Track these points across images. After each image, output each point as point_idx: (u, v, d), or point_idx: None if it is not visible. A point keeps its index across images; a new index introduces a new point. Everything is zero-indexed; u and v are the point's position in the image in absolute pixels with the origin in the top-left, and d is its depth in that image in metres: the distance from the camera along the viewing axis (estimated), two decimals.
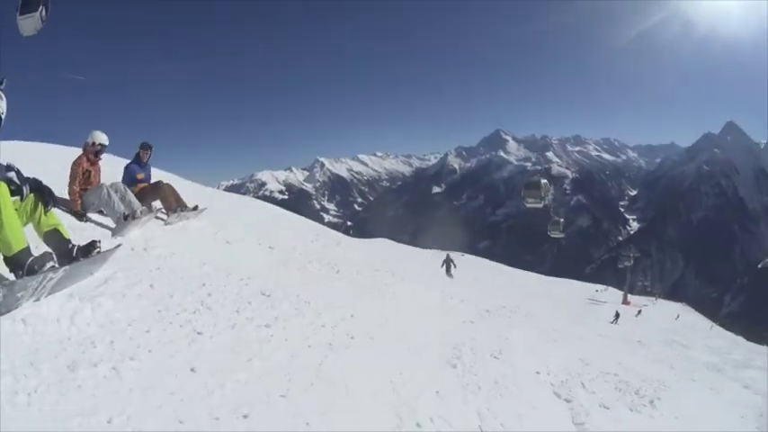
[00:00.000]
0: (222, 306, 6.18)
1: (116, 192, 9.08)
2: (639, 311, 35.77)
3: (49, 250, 4.93)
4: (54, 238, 5.16)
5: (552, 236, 38.71)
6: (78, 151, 9.47)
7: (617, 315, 30.90)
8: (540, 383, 8.42)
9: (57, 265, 4.64)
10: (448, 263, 32.20)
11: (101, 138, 9.64)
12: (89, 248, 5.27)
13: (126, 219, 8.49)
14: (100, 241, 5.40)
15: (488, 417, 6.06)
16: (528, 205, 20.99)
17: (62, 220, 5.32)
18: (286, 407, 4.32)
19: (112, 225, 8.62)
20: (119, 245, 6.01)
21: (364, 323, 8.08)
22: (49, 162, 12.70)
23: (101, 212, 9.50)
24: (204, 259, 8.31)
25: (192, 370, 4.32)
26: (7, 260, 4.55)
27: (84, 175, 9.38)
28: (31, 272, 4.41)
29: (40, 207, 5.09)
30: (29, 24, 10.84)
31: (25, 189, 4.87)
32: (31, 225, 5.10)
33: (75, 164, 9.28)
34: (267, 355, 5.22)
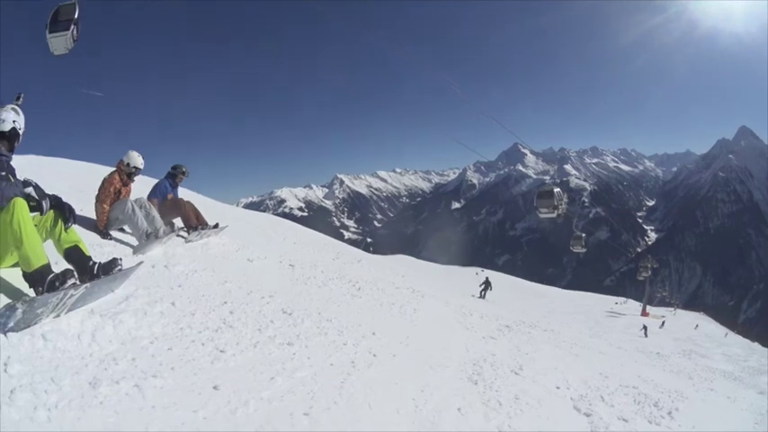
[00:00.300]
0: (244, 324, 6.16)
1: (140, 208, 9.08)
2: (663, 323, 35.48)
3: (70, 267, 4.93)
4: (74, 254, 5.16)
5: (575, 251, 38.82)
6: (96, 167, 9.50)
7: (645, 328, 30.73)
8: (560, 398, 8.38)
9: (78, 282, 4.64)
10: (486, 285, 32.07)
11: (137, 161, 9.62)
12: (110, 266, 5.27)
13: (149, 237, 8.51)
14: (121, 259, 5.40)
15: None
16: (541, 215, 19.71)
17: (83, 237, 5.33)
18: (309, 425, 4.29)
19: (134, 242, 8.65)
20: (140, 262, 5.99)
21: (386, 341, 8.06)
22: (67, 177, 12.82)
23: (122, 230, 9.54)
24: (225, 277, 8.32)
25: (215, 388, 4.29)
26: (27, 276, 4.55)
27: (115, 195, 9.30)
28: (52, 288, 4.40)
29: (60, 223, 5.10)
30: (59, 43, 10.95)
31: (45, 204, 4.90)
32: (50, 241, 5.11)
33: (107, 182, 9.22)
34: (290, 373, 5.19)
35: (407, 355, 7.89)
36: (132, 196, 9.95)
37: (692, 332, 33.55)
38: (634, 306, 48.48)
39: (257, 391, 4.51)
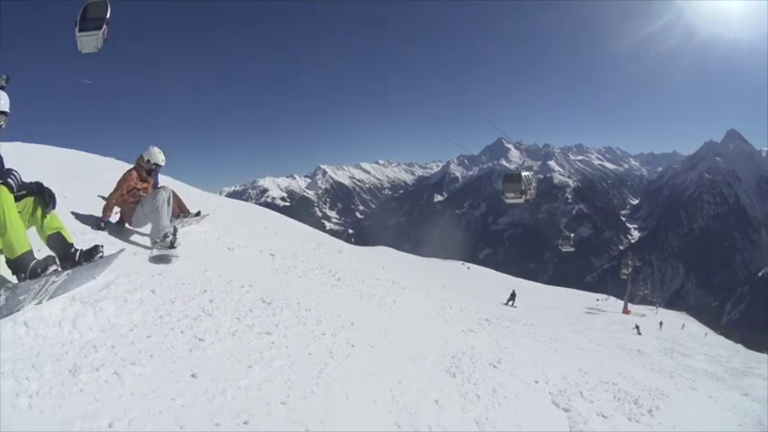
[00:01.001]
0: (223, 313, 6.21)
1: (169, 204, 8.97)
2: (661, 323, 35.70)
3: (52, 254, 4.96)
4: (57, 241, 5.19)
5: (564, 250, 39.52)
6: (81, 155, 9.45)
7: (637, 327, 31.04)
8: (539, 392, 8.38)
9: (60, 269, 4.67)
10: (513, 296, 32.28)
11: (157, 157, 9.54)
12: (92, 253, 5.30)
13: (164, 238, 8.28)
14: (103, 246, 5.44)
15: (486, 425, 6.07)
16: (508, 201, 18.36)
17: (80, 225, 5.36)
18: (286, 413, 4.34)
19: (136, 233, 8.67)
20: (122, 249, 6.02)
21: (365, 331, 8.08)
22: (52, 165, 12.76)
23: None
24: (206, 266, 8.36)
25: (194, 376, 4.35)
26: (10, 263, 4.60)
27: (129, 192, 9.12)
28: (34, 275, 4.45)
29: (42, 210, 5.12)
30: (89, 42, 10.89)
31: (12, 182, 4.91)
32: (34, 229, 5.13)
33: (124, 178, 9.08)
34: (268, 362, 5.24)
35: (386, 346, 7.92)
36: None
37: (673, 331, 33.75)
38: (615, 303, 48.73)
39: (235, 379, 4.57)
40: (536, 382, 8.87)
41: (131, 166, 10.94)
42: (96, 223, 8.55)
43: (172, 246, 8.26)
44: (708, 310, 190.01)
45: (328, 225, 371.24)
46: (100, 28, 10.74)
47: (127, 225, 9.24)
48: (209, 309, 6.19)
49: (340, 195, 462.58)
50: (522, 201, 17.78)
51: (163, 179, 12.95)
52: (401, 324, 10.24)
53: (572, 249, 40.86)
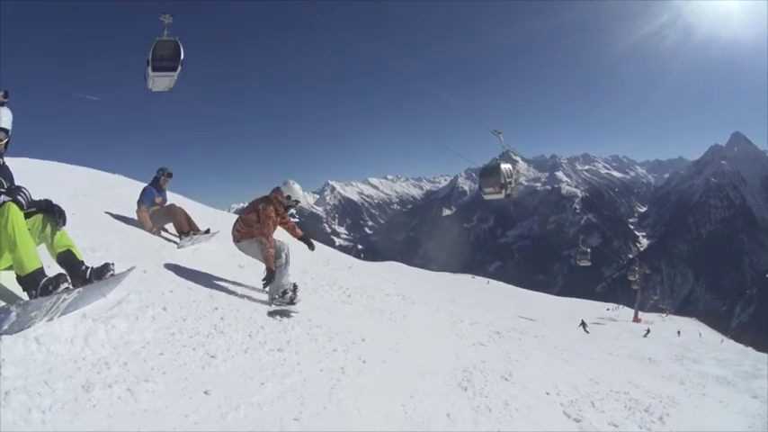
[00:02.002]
0: (235, 330, 6.24)
1: (288, 263, 8.98)
2: (679, 332, 35.51)
3: (63, 272, 4.97)
4: (67, 258, 5.21)
5: (581, 264, 39.77)
6: (91, 172, 9.52)
7: (648, 331, 30.98)
8: (550, 404, 8.34)
9: (71, 287, 4.69)
10: (584, 324, 32.34)
11: (298, 194, 9.50)
12: (102, 271, 5.32)
13: (284, 295, 8.41)
14: (113, 264, 5.45)
15: None
16: (486, 197, 16.46)
17: (75, 241, 5.38)
18: (299, 429, 4.36)
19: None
20: (132, 267, 6.03)
21: (376, 347, 8.11)
22: (63, 181, 12.83)
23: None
24: (217, 284, 8.48)
25: (206, 393, 4.37)
26: (21, 280, 4.62)
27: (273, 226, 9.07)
28: (46, 292, 4.46)
29: (51, 227, 5.15)
30: (163, 82, 11.14)
31: (22, 200, 4.94)
32: (44, 246, 5.15)
33: (267, 215, 8.93)
34: (280, 378, 5.26)
35: (397, 361, 7.93)
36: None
37: (684, 337, 33.49)
38: (626, 312, 48.45)
39: (248, 396, 4.58)
40: (547, 393, 8.81)
41: (142, 183, 11.04)
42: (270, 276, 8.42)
43: (291, 302, 8.44)
44: (717, 315, 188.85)
45: (338, 241, 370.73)
46: (175, 69, 10.95)
47: (234, 242, 9.23)
48: (221, 326, 6.21)
49: (349, 211, 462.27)
50: (501, 196, 16.07)
51: (172, 196, 13.04)
52: (412, 339, 10.25)
53: (589, 264, 41.48)
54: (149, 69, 11.07)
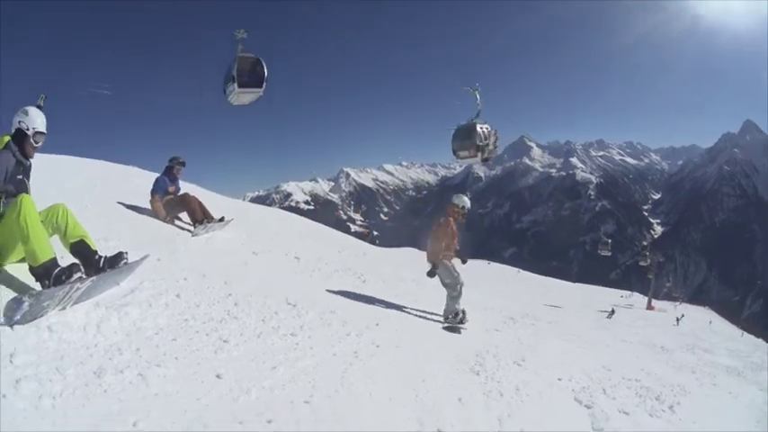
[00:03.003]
0: (248, 315, 6.31)
1: (461, 295, 10.76)
2: (677, 318, 35.31)
3: (76, 261, 5.04)
4: (80, 248, 5.30)
5: (602, 254, 39.99)
6: (107, 165, 9.63)
7: (677, 319, 30.95)
8: (562, 390, 8.32)
9: (84, 276, 4.76)
10: (612, 312, 32.44)
11: (467, 203, 11.32)
12: (116, 260, 5.40)
13: (456, 316, 10.57)
14: (127, 252, 5.54)
15: (509, 423, 6.08)
16: (460, 160, 14.68)
17: (89, 232, 5.45)
18: (309, 412, 4.38)
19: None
20: (146, 256, 6.11)
21: (390, 332, 8.16)
22: (78, 174, 12.93)
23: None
24: (231, 270, 8.48)
25: (218, 377, 4.42)
26: (34, 270, 4.71)
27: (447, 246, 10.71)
28: (59, 282, 4.55)
29: (68, 218, 5.23)
30: (247, 98, 11.37)
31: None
32: (57, 237, 5.22)
33: (444, 231, 10.73)
34: (292, 362, 5.31)
35: (410, 345, 7.95)
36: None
37: (695, 326, 33.25)
38: (639, 299, 48.18)
39: (259, 380, 4.63)
40: (559, 379, 8.80)
41: (156, 174, 11.19)
42: (431, 271, 10.60)
43: (461, 322, 10.54)
44: (729, 305, 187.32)
45: (353, 227, 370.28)
46: (261, 86, 11.24)
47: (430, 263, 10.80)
48: (235, 312, 6.28)
49: (364, 197, 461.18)
50: (478, 159, 14.28)
51: (187, 186, 13.11)
52: (425, 324, 10.34)
53: (609, 254, 41.79)
54: (235, 86, 11.34)
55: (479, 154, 13.56)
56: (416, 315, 10.87)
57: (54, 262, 4.74)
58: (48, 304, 4.33)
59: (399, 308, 10.99)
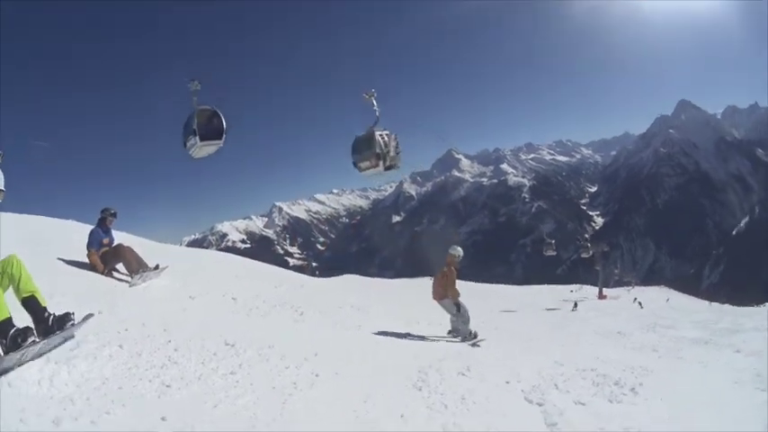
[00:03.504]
0: (188, 359, 6.48)
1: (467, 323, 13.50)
2: (636, 299, 35.74)
3: (30, 326, 5.30)
4: (32, 304, 5.54)
5: (546, 254, 41.22)
6: (32, 219, 9.65)
7: (639, 303, 31.72)
8: (510, 392, 8.36)
9: (36, 339, 5.04)
10: (575, 305, 32.39)
11: (461, 252, 13.85)
12: (64, 320, 5.63)
13: (471, 336, 13.17)
14: (73, 313, 5.79)
15: (454, 430, 6.17)
16: (363, 173, 13.32)
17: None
18: None
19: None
20: (90, 315, 6.28)
21: (329, 360, 8.27)
22: (15, 229, 12.90)
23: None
24: (169, 316, 8.68)
25: (163, 419, 4.67)
26: None
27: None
28: (14, 344, 4.84)
29: (21, 271, 5.51)
30: (208, 150, 11.36)
31: None
32: (10, 287, 5.47)
33: (450, 274, 13.35)
34: (233, 399, 5.51)
35: (350, 370, 8.10)
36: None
37: (654, 306, 33.46)
38: (590, 290, 48.47)
39: (201, 418, 4.88)
40: (507, 382, 8.87)
41: (83, 223, 11.39)
42: (458, 306, 13.31)
43: (475, 337, 13.10)
44: (686, 279, 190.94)
45: (291, 261, 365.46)
46: (221, 137, 11.29)
47: (437, 300, 13.63)
48: (175, 357, 6.46)
49: (298, 230, 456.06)
50: (380, 169, 13.10)
51: (120, 236, 13.22)
52: (366, 347, 10.48)
53: (554, 253, 43.14)
54: (197, 139, 11.29)
55: (381, 163, 12.81)
56: (357, 340, 11.07)
57: (9, 322, 5.01)
58: (11, 366, 4.63)
59: (338, 335, 11.25)
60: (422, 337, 12.89)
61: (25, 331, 5.06)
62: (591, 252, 47.66)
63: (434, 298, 13.69)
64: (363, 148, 12.87)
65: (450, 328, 13.90)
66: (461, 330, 13.24)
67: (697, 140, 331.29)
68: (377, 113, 12.78)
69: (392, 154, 12.93)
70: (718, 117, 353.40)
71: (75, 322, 5.79)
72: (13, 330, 5.01)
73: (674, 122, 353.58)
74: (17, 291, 5.53)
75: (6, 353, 4.89)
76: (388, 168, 13.07)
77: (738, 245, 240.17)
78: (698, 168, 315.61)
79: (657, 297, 41.70)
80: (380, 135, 12.74)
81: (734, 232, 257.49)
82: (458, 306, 13.24)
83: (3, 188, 5.51)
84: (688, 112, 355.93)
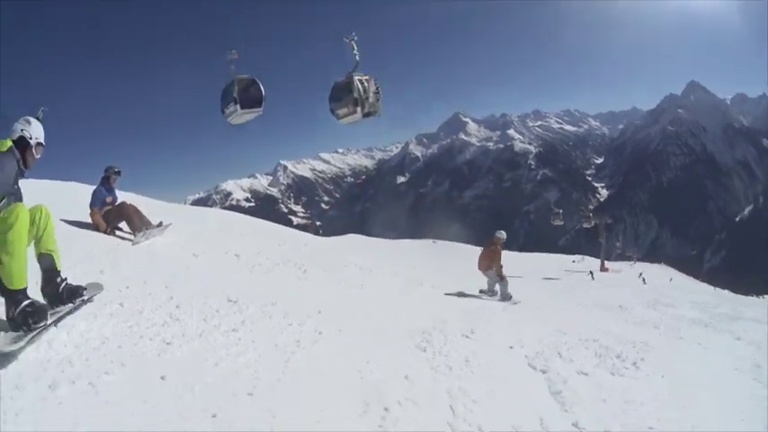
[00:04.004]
0: (190, 316, 6.42)
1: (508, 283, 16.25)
2: (641, 275, 35.76)
3: (44, 304, 5.13)
4: (47, 263, 5.40)
5: (555, 224, 41.75)
6: (36, 183, 9.59)
7: (642, 277, 31.86)
8: (514, 357, 8.39)
9: (48, 323, 4.86)
10: (591, 274, 32.43)
11: (504, 235, 17.35)
12: (75, 293, 5.53)
13: (510, 298, 15.88)
14: (86, 289, 5.72)
15: (459, 395, 6.11)
16: (342, 121, 12.49)
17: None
18: (253, 403, 4.58)
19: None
20: (100, 288, 6.23)
21: (332, 318, 8.25)
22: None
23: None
24: (172, 274, 8.63)
25: (163, 378, 4.59)
26: (3, 290, 4.77)
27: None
28: (24, 321, 4.68)
29: (47, 224, 5.37)
30: (247, 117, 11.42)
31: None
32: (33, 241, 5.32)
33: (497, 251, 16.53)
34: (234, 357, 5.45)
35: (354, 329, 8.08)
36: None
37: (657, 282, 33.47)
38: (592, 262, 48.44)
39: (202, 377, 4.80)
40: (510, 347, 8.89)
41: (87, 185, 11.34)
42: (502, 279, 15.89)
43: (511, 298, 15.79)
44: (687, 260, 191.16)
45: (295, 220, 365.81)
46: (261, 105, 11.63)
47: (483, 271, 16.86)
48: (177, 314, 6.40)
49: (303, 189, 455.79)
50: (358, 115, 12.25)
51: (125, 195, 13.16)
52: (369, 306, 10.48)
53: (562, 223, 43.71)
54: (237, 107, 11.46)
55: (359, 109, 12.01)
56: (359, 299, 11.05)
57: (24, 293, 4.78)
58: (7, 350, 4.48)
59: (341, 294, 11.22)
60: (424, 299, 12.87)
61: (40, 312, 4.85)
62: (592, 222, 47.80)
63: (480, 269, 16.93)
64: (342, 95, 12.25)
65: (484, 288, 16.91)
66: (502, 293, 16.14)
67: (705, 123, 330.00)
68: (357, 58, 12.02)
69: (371, 100, 12.17)
70: (728, 103, 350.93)
71: (86, 298, 5.69)
72: (26, 304, 4.80)
73: (684, 102, 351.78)
74: (37, 244, 5.37)
75: (11, 329, 4.74)
76: (366, 115, 12.30)
77: (741, 232, 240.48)
78: (704, 150, 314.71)
79: (659, 274, 41.60)
80: (359, 80, 12.10)
81: (737, 219, 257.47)
82: (500, 276, 16.17)
83: (42, 142, 5.50)
84: (697, 94, 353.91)
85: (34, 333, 4.64)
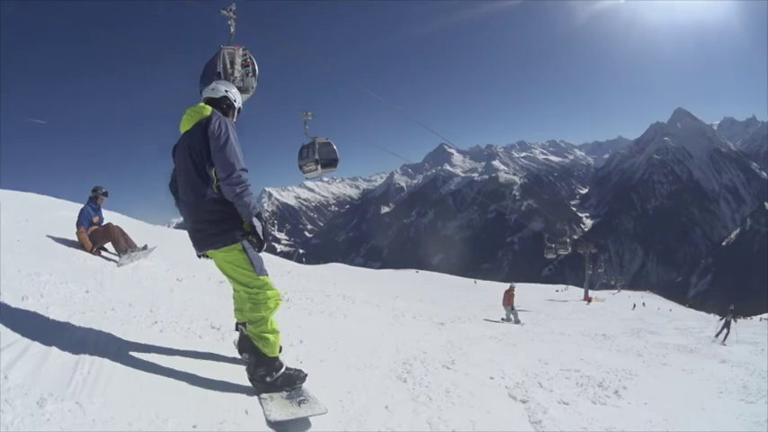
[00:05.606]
0: (174, 342, 6.43)
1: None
2: (658, 308, 35.88)
3: (300, 369, 5.62)
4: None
5: (548, 257, 43.17)
6: (25, 196, 9.64)
7: (634, 305, 32.19)
8: (494, 388, 8.40)
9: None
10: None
11: (515, 285, 20.03)
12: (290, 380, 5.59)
13: (518, 321, 15.65)
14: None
15: (439, 425, 6.10)
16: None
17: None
18: (232, 430, 4.60)
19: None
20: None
21: (314, 347, 8.29)
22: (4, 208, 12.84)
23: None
24: (156, 298, 8.66)
25: (133, 405, 4.54)
26: (260, 359, 5.31)
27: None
28: (287, 383, 5.35)
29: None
30: (321, 175, 12.96)
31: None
32: None
33: (513, 292, 20.39)
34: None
35: (335, 359, 8.09)
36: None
37: (639, 310, 33.38)
38: (575, 292, 48.37)
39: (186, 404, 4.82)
40: (491, 378, 8.91)
41: (74, 203, 11.37)
42: (515, 312, 16.32)
43: (520, 322, 18.16)
44: (673, 286, 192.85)
45: (279, 247, 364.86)
46: (336, 165, 12.50)
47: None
48: (160, 339, 6.42)
49: (287, 216, 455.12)
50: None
51: (111, 215, 13.19)
52: (351, 337, 10.50)
53: (554, 256, 45.67)
54: (318, 167, 12.39)
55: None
56: (342, 329, 11.07)
57: (280, 360, 5.35)
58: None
59: (324, 323, 11.25)
60: (406, 330, 12.90)
61: (300, 375, 5.52)
62: (569, 249, 47.82)
63: (503, 305, 24.46)
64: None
65: (503, 317, 23.72)
66: (515, 319, 23.06)
67: (692, 149, 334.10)
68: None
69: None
70: (715, 128, 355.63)
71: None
72: (286, 368, 5.40)
73: (670, 130, 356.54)
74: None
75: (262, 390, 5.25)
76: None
77: (727, 256, 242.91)
78: (690, 177, 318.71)
79: (644, 301, 41.86)
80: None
81: (723, 243, 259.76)
82: (512, 308, 23.80)
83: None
84: (684, 121, 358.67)
85: (302, 396, 5.14)
